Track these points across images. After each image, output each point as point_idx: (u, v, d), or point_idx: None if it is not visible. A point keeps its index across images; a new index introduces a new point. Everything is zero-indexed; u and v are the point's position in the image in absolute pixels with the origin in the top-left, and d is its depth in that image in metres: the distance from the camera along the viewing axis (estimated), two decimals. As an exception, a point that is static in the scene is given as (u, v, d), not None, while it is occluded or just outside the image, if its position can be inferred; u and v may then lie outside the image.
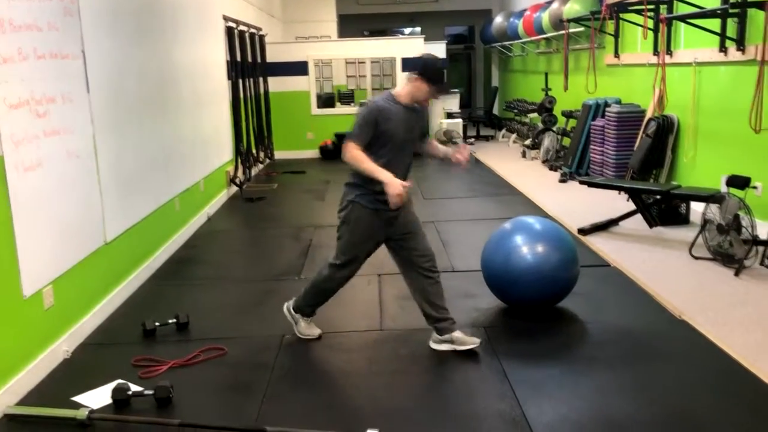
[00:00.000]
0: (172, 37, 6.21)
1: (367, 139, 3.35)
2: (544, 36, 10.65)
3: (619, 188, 6.33)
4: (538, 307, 4.03)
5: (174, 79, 6.16)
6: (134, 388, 3.18)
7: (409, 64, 3.43)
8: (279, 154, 11.25)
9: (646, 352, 3.51)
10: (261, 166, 10.28)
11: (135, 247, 4.86)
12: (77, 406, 3.07)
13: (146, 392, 3.12)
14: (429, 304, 3.55)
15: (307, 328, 3.79)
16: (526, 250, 3.91)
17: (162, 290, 4.81)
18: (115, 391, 3.11)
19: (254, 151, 9.71)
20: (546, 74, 10.70)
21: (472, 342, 3.52)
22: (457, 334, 3.54)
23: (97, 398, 3.19)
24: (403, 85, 3.50)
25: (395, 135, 3.41)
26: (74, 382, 3.37)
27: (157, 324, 3.96)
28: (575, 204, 6.96)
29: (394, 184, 3.26)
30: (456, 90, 12.82)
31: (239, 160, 8.72)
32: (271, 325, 4.03)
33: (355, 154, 3.34)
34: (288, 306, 3.85)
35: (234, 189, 8.43)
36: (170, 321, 4.01)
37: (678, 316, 3.95)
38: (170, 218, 5.77)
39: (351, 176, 3.50)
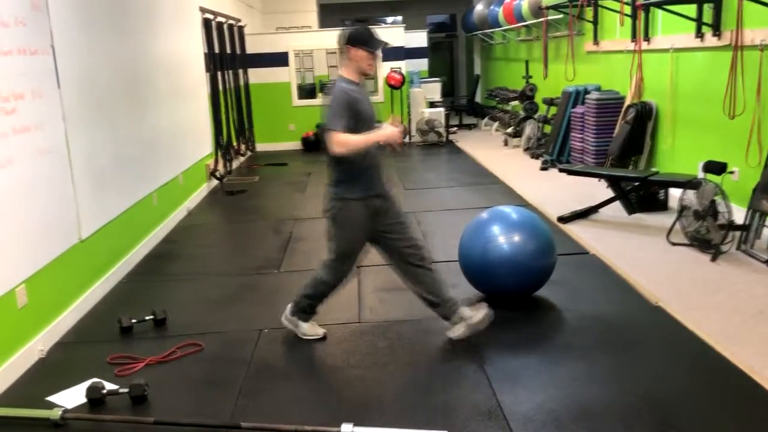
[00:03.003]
0: (147, 31, 6.13)
1: (349, 124, 3.24)
2: (524, 24, 10.64)
3: (598, 175, 6.35)
4: (516, 296, 4.04)
5: (149, 73, 6.09)
6: (109, 386, 3.16)
7: (341, 41, 3.36)
8: (261, 146, 11.19)
9: (621, 340, 3.53)
10: (242, 158, 10.23)
11: (112, 244, 4.82)
12: (52, 406, 3.05)
13: (121, 390, 3.10)
14: (428, 294, 3.53)
15: (311, 329, 3.71)
16: (502, 239, 3.91)
17: (140, 286, 4.78)
18: (90, 390, 3.09)
19: (235, 143, 9.65)
20: (527, 62, 10.69)
21: (482, 314, 3.49)
22: (464, 311, 3.51)
23: (72, 397, 3.16)
24: (344, 66, 3.39)
25: (367, 113, 3.36)
26: (49, 382, 3.34)
27: (133, 321, 3.94)
28: (556, 192, 6.98)
29: (388, 132, 3.24)
30: (438, 79, 12.78)
31: (219, 153, 8.66)
32: (249, 320, 4.02)
33: (342, 140, 3.22)
34: (285, 314, 3.75)
35: (215, 182, 8.37)
36: (147, 318, 3.98)
37: (654, 303, 3.97)
38: (148, 213, 5.73)
39: (333, 173, 3.43)
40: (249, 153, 10.69)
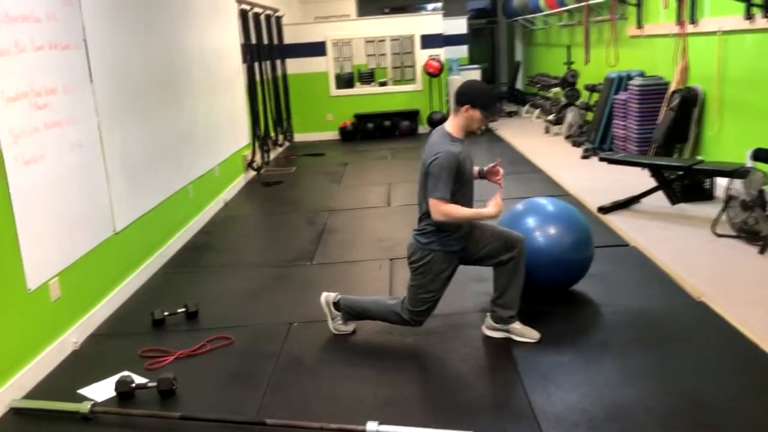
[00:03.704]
0: (181, 23, 6.15)
1: (452, 189, 3.21)
2: (566, 8, 10.38)
3: (640, 164, 6.14)
4: (552, 290, 3.93)
5: (184, 65, 6.11)
6: (138, 379, 3.17)
7: (460, 97, 3.27)
8: (299, 137, 11.19)
9: (661, 337, 3.39)
10: (280, 149, 10.24)
11: (147, 236, 4.85)
12: (83, 398, 3.08)
13: (149, 384, 3.11)
14: (498, 295, 3.46)
15: (344, 325, 3.66)
16: (537, 232, 3.80)
17: (174, 278, 4.80)
18: (119, 384, 3.10)
19: (273, 134, 9.66)
20: (568, 47, 10.43)
21: (530, 337, 3.42)
22: (516, 327, 3.44)
23: (102, 391, 3.18)
24: (453, 120, 3.34)
25: (468, 173, 3.35)
26: (82, 374, 3.37)
27: (165, 314, 3.95)
28: (597, 181, 6.78)
29: (494, 209, 3.24)
30: (478, 66, 12.58)
31: (256, 144, 8.68)
32: (279, 313, 4.00)
33: (446, 210, 3.19)
34: (328, 299, 3.67)
35: (252, 173, 8.40)
36: (179, 310, 3.99)
37: (697, 298, 3.81)
38: (184, 205, 5.76)
39: (424, 223, 3.36)
40: (287, 143, 10.70)
